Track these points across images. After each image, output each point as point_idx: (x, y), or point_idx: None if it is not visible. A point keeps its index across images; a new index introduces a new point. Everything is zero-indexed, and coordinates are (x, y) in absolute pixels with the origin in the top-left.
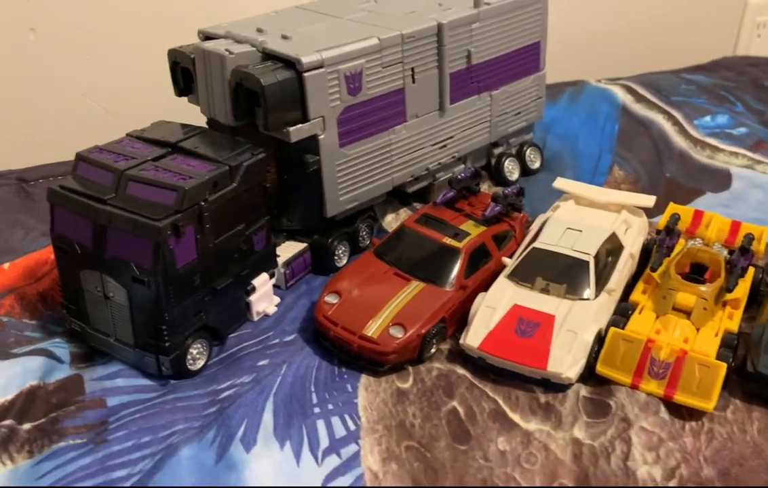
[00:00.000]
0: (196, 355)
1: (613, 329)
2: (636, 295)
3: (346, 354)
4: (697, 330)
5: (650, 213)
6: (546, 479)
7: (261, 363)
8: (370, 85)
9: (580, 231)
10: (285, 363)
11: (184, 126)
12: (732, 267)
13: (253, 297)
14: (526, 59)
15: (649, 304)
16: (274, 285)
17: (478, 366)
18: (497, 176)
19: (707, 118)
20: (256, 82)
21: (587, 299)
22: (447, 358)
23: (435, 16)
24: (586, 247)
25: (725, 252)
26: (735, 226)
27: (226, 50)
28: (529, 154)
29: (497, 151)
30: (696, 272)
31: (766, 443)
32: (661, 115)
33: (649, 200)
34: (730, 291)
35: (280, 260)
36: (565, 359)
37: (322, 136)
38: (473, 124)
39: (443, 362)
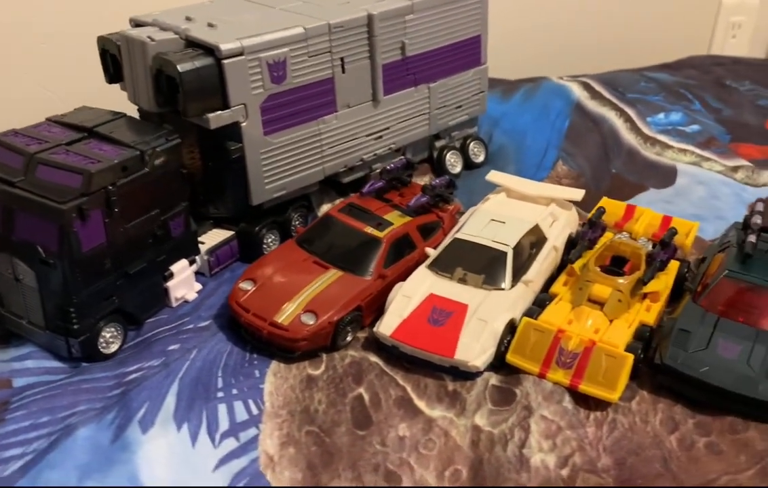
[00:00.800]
0: (110, 339)
1: (525, 319)
2: (556, 287)
3: (257, 340)
4: (611, 321)
5: (589, 207)
6: (441, 464)
7: (172, 347)
8: (295, 73)
9: (503, 223)
10: (195, 349)
11: (107, 112)
12: (651, 261)
13: (170, 283)
14: (466, 53)
15: (567, 295)
16: (199, 273)
17: (392, 354)
18: (439, 169)
19: (661, 116)
20: (173, 69)
21: (503, 289)
22: (363, 346)
23: (366, 6)
24: (505, 239)
25: (650, 246)
26: (666, 220)
27: (149, 37)
28: (473, 147)
29: (439, 144)
30: (619, 265)
31: (666, 434)
32: (614, 111)
33: (578, 193)
34: (645, 283)
35: (204, 247)
36: (473, 347)
37: (244, 124)
38: (411, 116)
39: (358, 350)
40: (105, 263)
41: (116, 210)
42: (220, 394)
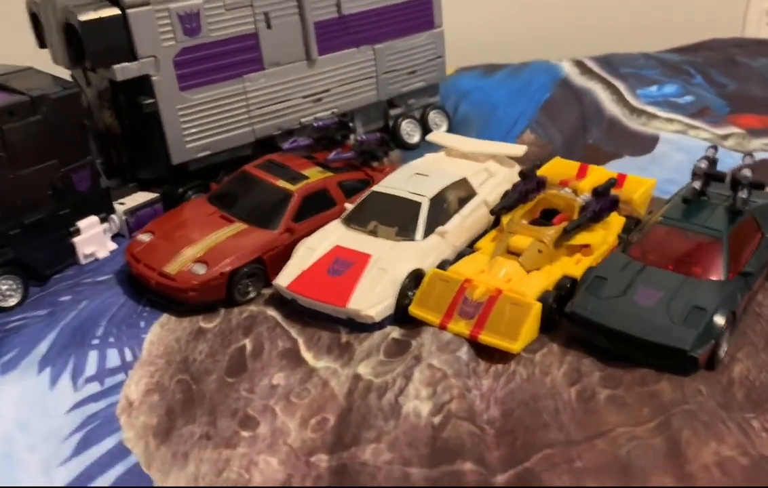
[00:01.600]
0: (6, 292)
1: (432, 270)
2: (483, 241)
3: (153, 293)
4: (529, 273)
5: None
6: (309, 413)
7: (63, 298)
8: (212, 26)
9: (427, 176)
10: (86, 300)
11: (18, 66)
12: (582, 212)
13: (77, 239)
14: (415, 14)
15: (489, 248)
16: (120, 235)
17: (294, 309)
18: (395, 138)
19: (653, 88)
20: (75, 19)
21: (414, 240)
22: (266, 302)
23: None
24: (423, 190)
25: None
26: (620, 178)
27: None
28: (433, 117)
29: (394, 112)
30: (552, 218)
31: (566, 386)
32: (601, 84)
33: (519, 149)
34: (568, 232)
35: (123, 208)
36: (368, 297)
37: (155, 77)
38: (354, 79)
39: (260, 305)
40: None
41: (2, 155)
42: (95, 342)
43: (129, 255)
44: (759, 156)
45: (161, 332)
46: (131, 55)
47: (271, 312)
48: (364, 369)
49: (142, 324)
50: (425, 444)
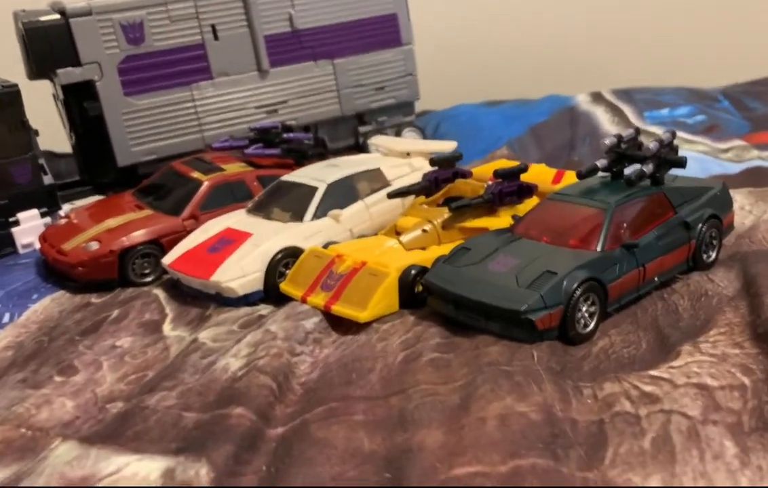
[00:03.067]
0: None
1: (310, 247)
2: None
3: (60, 273)
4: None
5: None
6: (134, 370)
7: None
8: (156, 36)
9: (337, 166)
10: None
11: None
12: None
13: (15, 230)
14: (379, 31)
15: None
16: None
17: (182, 291)
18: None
19: (664, 111)
20: (20, 26)
21: (302, 221)
22: (164, 283)
23: None
24: (325, 176)
25: None
26: (559, 174)
27: (22, 10)
28: (407, 135)
29: (363, 129)
30: None
31: (398, 352)
32: (604, 108)
33: (449, 145)
34: (452, 211)
35: (71, 206)
36: (232, 270)
37: (99, 82)
38: (313, 93)
39: (156, 286)
40: None
41: None
42: None
43: (41, 236)
44: (754, 164)
45: (49, 304)
46: (75, 61)
47: (158, 291)
48: (205, 335)
49: (35, 296)
50: (215, 393)
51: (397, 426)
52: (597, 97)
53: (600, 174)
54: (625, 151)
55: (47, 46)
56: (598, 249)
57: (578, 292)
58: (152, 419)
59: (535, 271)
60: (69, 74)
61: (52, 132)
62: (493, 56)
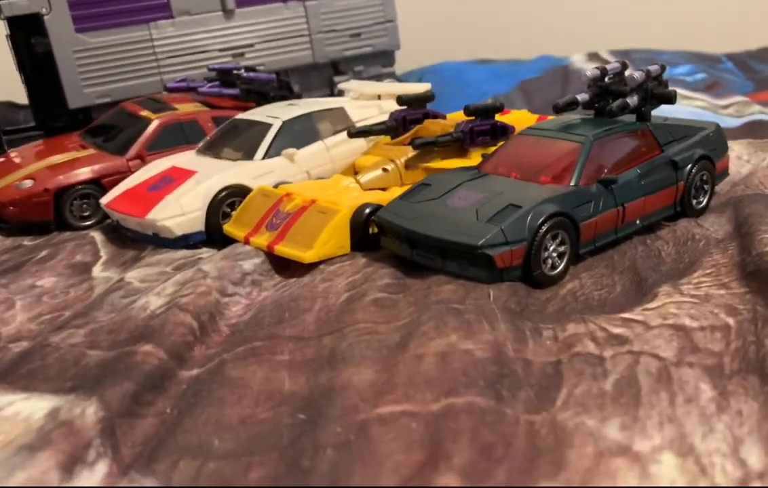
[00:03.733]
0: None
1: (259, 186)
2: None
3: None
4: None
5: None
6: (50, 310)
7: None
8: None
9: (296, 105)
10: None
11: None
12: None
13: None
14: None
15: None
16: None
17: (122, 234)
18: None
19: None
20: None
21: (254, 160)
22: (105, 227)
23: None
24: (281, 115)
25: None
26: (541, 119)
27: None
28: None
29: (338, 79)
30: None
31: (340, 292)
32: (597, 64)
33: (423, 87)
34: (415, 148)
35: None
36: (169, 208)
37: (47, 17)
38: (283, 37)
39: (95, 229)
40: None
41: None
42: None
43: None
44: (756, 118)
45: None
46: None
47: (96, 234)
48: (133, 275)
49: None
50: (127, 331)
51: (325, 366)
52: (593, 57)
53: (581, 111)
54: (609, 85)
55: None
56: (572, 184)
57: (544, 228)
58: (52, 357)
59: (498, 205)
60: (13, 6)
61: (10, 80)
62: (485, 16)
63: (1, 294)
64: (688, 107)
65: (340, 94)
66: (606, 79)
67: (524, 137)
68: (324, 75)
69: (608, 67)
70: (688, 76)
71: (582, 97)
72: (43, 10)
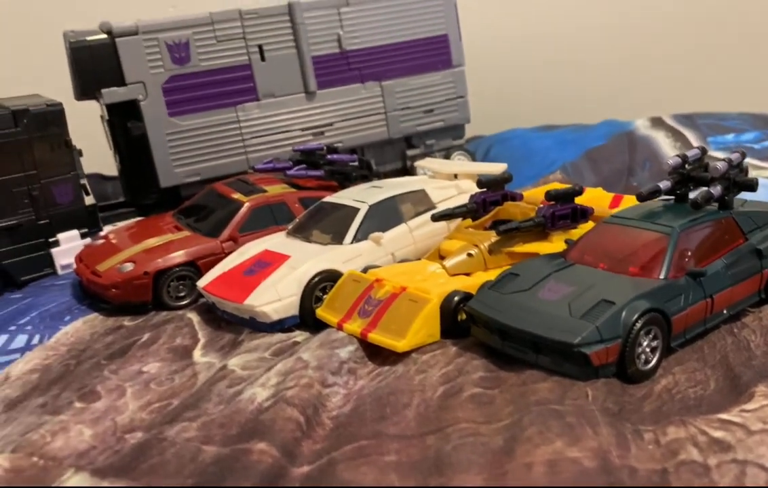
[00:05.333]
0: None
1: (349, 271)
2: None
3: (93, 294)
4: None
5: None
6: (158, 398)
7: (15, 296)
8: (202, 56)
9: (380, 187)
10: (32, 297)
11: (30, 95)
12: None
13: (55, 250)
14: (429, 52)
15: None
16: None
17: (218, 316)
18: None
19: (729, 136)
20: (69, 47)
21: (342, 244)
22: (199, 307)
23: None
24: (367, 198)
25: None
26: (616, 198)
27: (71, 31)
28: (456, 159)
29: (411, 152)
30: None
31: (437, 385)
32: (665, 132)
33: (499, 167)
34: (500, 234)
35: (112, 228)
36: (267, 294)
37: (144, 102)
38: (360, 115)
39: (191, 309)
40: None
41: None
42: (12, 328)
43: (77, 256)
44: None
45: (81, 326)
46: (120, 81)
47: (192, 315)
48: (235, 362)
49: (68, 318)
50: (239, 425)
51: (432, 470)
52: (657, 122)
53: (662, 197)
54: (690, 172)
55: (93, 66)
56: (661, 277)
57: (639, 325)
58: (169, 452)
59: (591, 300)
60: (113, 94)
61: (99, 153)
62: (548, 81)
63: (112, 382)
64: (758, 177)
65: (413, 166)
66: (686, 166)
67: (609, 226)
68: (397, 149)
69: (689, 154)
70: (756, 143)
71: (664, 184)
72: (140, 97)
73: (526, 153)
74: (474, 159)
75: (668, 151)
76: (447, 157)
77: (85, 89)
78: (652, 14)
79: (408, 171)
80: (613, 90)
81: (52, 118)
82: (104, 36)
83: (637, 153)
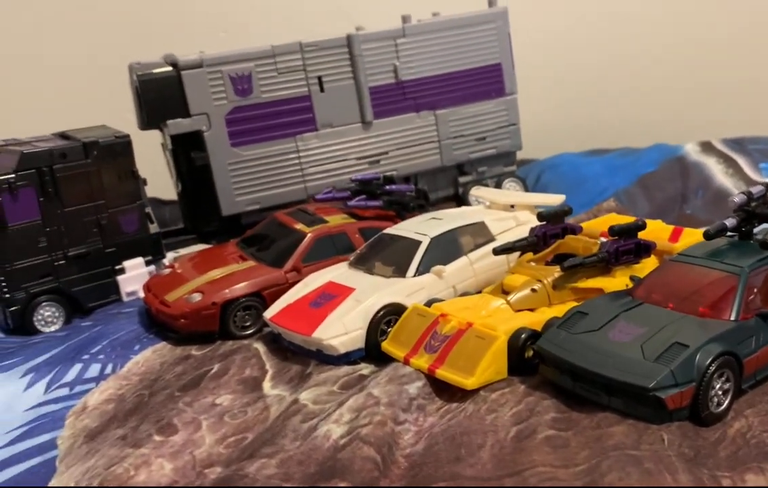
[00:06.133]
0: (49, 318)
1: (413, 305)
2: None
3: (162, 324)
4: (518, 312)
5: None
6: (233, 431)
7: (85, 324)
8: (263, 88)
9: (441, 219)
10: (102, 325)
11: (97, 126)
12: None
13: (121, 277)
14: (482, 81)
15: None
16: None
17: (282, 346)
18: (463, 205)
19: None
20: (135, 76)
21: (405, 277)
22: (263, 336)
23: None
24: (428, 231)
25: None
26: (676, 231)
27: (137, 63)
28: (508, 186)
29: (463, 179)
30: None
31: (509, 425)
32: (717, 158)
33: (556, 199)
34: (564, 270)
35: (175, 255)
36: (334, 327)
37: (207, 133)
38: (414, 143)
39: (256, 339)
40: (39, 240)
41: (50, 190)
42: (86, 357)
43: (145, 285)
44: None
45: (151, 355)
46: (185, 112)
47: (259, 345)
48: (306, 396)
49: (137, 347)
50: (317, 463)
51: None
52: (707, 147)
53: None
54: (754, 209)
55: (159, 97)
56: (732, 318)
57: (713, 368)
58: None
59: (663, 343)
60: (178, 125)
61: (157, 179)
62: (594, 102)
63: (187, 414)
64: None
65: (465, 193)
66: (751, 204)
67: (676, 264)
68: (449, 176)
69: (753, 190)
70: None
71: (730, 222)
72: (204, 128)
73: (577, 179)
74: (525, 185)
75: (721, 178)
76: (498, 183)
77: (151, 120)
78: (696, 36)
79: (460, 197)
80: (657, 112)
81: (120, 149)
82: (170, 68)
83: (690, 180)
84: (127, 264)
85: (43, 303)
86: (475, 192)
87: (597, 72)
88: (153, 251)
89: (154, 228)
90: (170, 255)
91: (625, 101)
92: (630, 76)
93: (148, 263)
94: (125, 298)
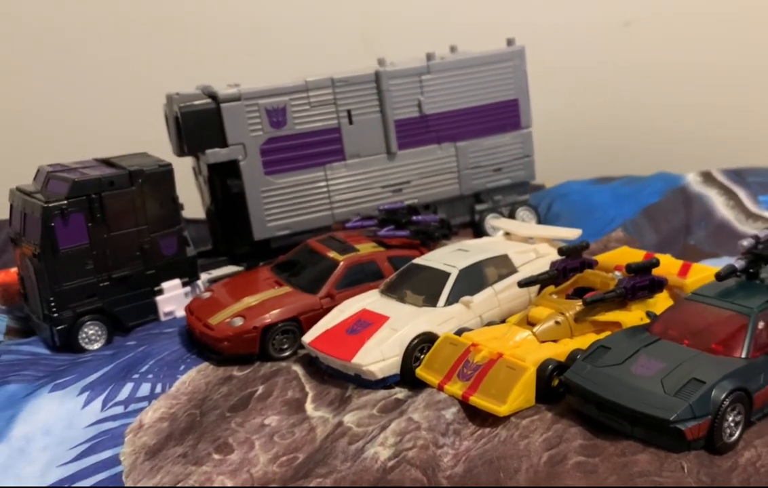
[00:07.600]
0: (92, 336)
1: (445, 334)
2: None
3: (203, 345)
4: (543, 343)
5: None
6: (283, 450)
7: (130, 343)
8: (297, 120)
9: (467, 251)
10: (146, 345)
11: (139, 153)
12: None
13: (159, 298)
14: (500, 115)
15: (517, 319)
16: None
17: (319, 368)
18: (479, 233)
19: None
20: (176, 108)
21: (436, 307)
22: (299, 359)
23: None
24: (456, 262)
25: None
26: (685, 266)
27: (176, 93)
28: (521, 213)
29: (479, 207)
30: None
31: (541, 451)
32: (718, 190)
33: (573, 233)
34: (586, 305)
35: (207, 276)
36: (372, 353)
37: (243, 162)
38: (435, 173)
39: (294, 362)
40: (87, 263)
41: (98, 215)
42: (135, 376)
43: (187, 308)
44: None
45: (196, 375)
46: (222, 142)
47: (297, 368)
48: (349, 419)
49: (182, 367)
50: (368, 483)
51: None
52: (708, 178)
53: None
54: (762, 251)
55: (198, 128)
56: (743, 356)
57: (727, 403)
58: None
59: (682, 378)
60: (216, 154)
61: (181, 197)
62: (598, 131)
63: (240, 434)
64: None
65: (481, 220)
66: (759, 247)
67: (690, 303)
68: (467, 203)
69: (761, 234)
70: None
71: (739, 264)
72: (240, 157)
73: (586, 209)
74: (538, 213)
75: (723, 210)
76: (512, 211)
77: (190, 149)
78: (697, 62)
79: (476, 224)
80: (659, 139)
81: (163, 177)
82: (209, 101)
83: (693, 211)
84: (165, 285)
85: (88, 322)
86: (495, 223)
87: (595, 98)
88: (189, 273)
89: (190, 251)
90: (204, 277)
91: (624, 125)
92: (628, 102)
93: (184, 284)
94: (162, 318)
